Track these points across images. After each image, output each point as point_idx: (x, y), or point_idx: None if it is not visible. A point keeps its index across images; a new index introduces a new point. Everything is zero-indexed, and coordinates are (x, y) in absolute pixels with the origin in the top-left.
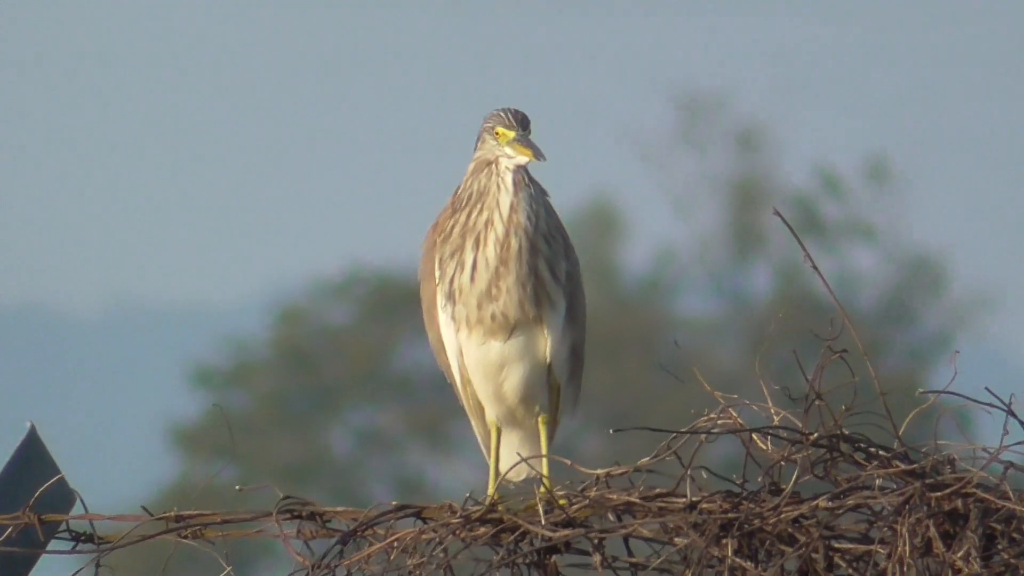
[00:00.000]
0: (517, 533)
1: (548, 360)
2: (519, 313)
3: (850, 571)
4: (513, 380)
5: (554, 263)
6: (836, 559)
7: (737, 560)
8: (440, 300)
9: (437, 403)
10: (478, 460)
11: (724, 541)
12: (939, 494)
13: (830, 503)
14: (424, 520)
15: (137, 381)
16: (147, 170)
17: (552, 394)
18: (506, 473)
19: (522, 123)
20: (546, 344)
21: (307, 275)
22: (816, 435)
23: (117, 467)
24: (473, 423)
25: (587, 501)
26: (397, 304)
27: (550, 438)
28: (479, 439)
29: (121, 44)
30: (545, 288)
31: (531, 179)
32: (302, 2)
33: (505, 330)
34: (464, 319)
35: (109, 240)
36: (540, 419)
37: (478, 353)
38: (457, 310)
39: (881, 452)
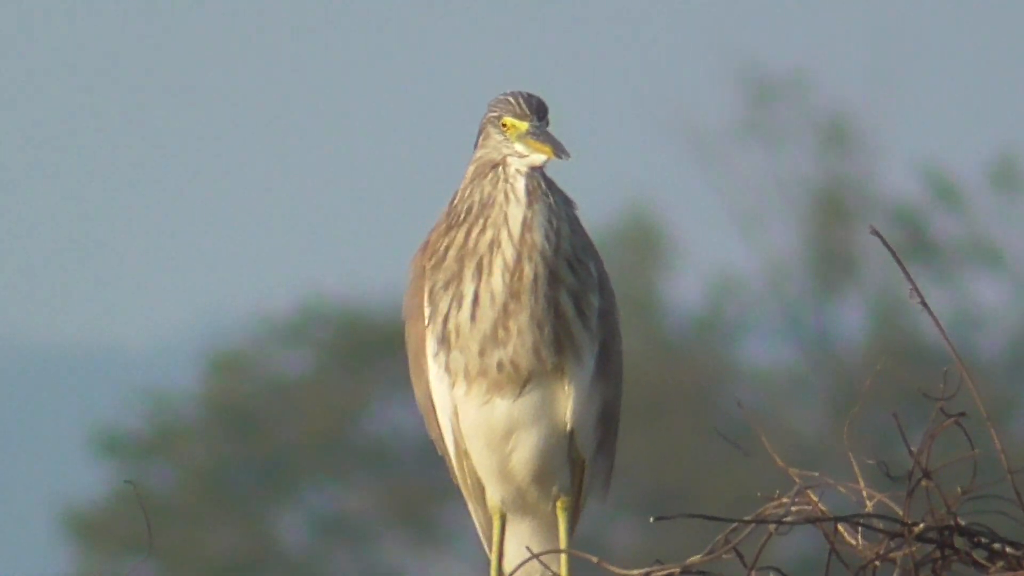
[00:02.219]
0: None
1: (570, 425)
2: (534, 362)
3: None
4: (524, 451)
5: (581, 297)
6: None
7: None
8: (430, 345)
9: (422, 480)
10: (476, 554)
11: None
12: None
13: None
14: None
15: (23, 449)
16: (36, 182)
17: (575, 470)
18: (512, 573)
19: (537, 111)
20: (568, 404)
21: (250, 311)
22: (922, 526)
23: None
24: (471, 508)
25: None
26: (368, 350)
27: (571, 529)
28: (479, 528)
29: (24, 55)
30: (569, 330)
31: (550, 185)
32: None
33: (515, 384)
34: (462, 370)
35: None
36: (559, 504)
37: (479, 415)
38: (452, 358)
39: (1008, 549)
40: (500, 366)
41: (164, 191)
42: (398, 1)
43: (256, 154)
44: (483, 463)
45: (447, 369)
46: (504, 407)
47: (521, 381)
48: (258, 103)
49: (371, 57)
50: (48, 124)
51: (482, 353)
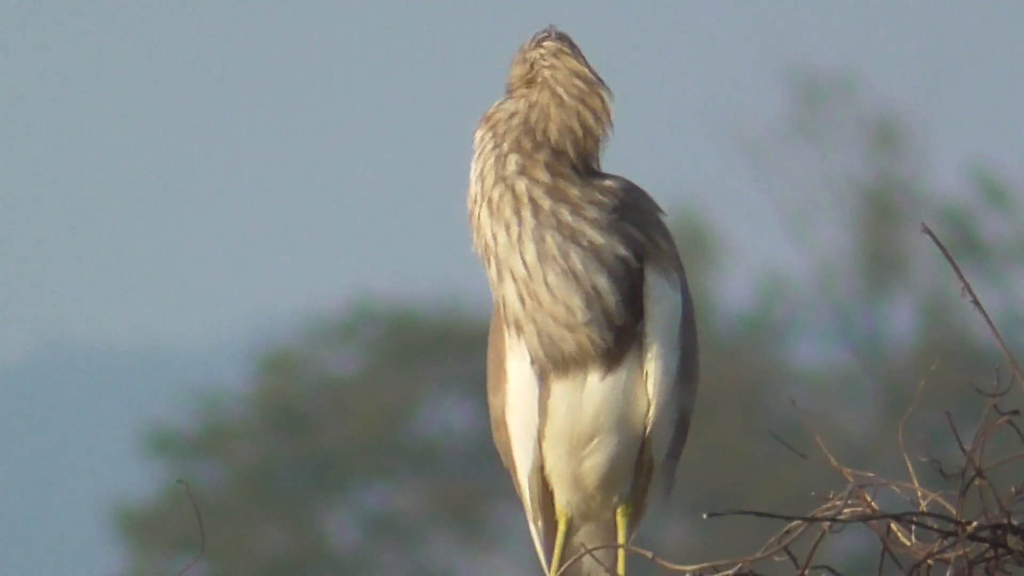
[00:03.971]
0: None
1: (649, 429)
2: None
3: None
4: (600, 456)
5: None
6: None
7: None
8: (518, 352)
9: (471, 479)
10: (524, 553)
11: None
12: None
13: None
14: None
15: (75, 447)
16: (88, 183)
17: (640, 477)
18: (566, 567)
19: None
20: (651, 409)
21: (300, 311)
22: (976, 525)
23: (47, 560)
24: (530, 518)
25: None
26: (418, 349)
27: (629, 534)
28: (535, 538)
29: (66, 55)
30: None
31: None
32: (290, 7)
33: (599, 358)
34: (550, 367)
35: (40, 268)
36: (618, 511)
37: (566, 418)
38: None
39: None
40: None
41: (216, 193)
42: (457, 3)
43: (307, 156)
44: (558, 468)
45: (535, 370)
46: (592, 409)
47: (604, 368)
48: (312, 108)
49: (420, 60)
50: (110, 130)
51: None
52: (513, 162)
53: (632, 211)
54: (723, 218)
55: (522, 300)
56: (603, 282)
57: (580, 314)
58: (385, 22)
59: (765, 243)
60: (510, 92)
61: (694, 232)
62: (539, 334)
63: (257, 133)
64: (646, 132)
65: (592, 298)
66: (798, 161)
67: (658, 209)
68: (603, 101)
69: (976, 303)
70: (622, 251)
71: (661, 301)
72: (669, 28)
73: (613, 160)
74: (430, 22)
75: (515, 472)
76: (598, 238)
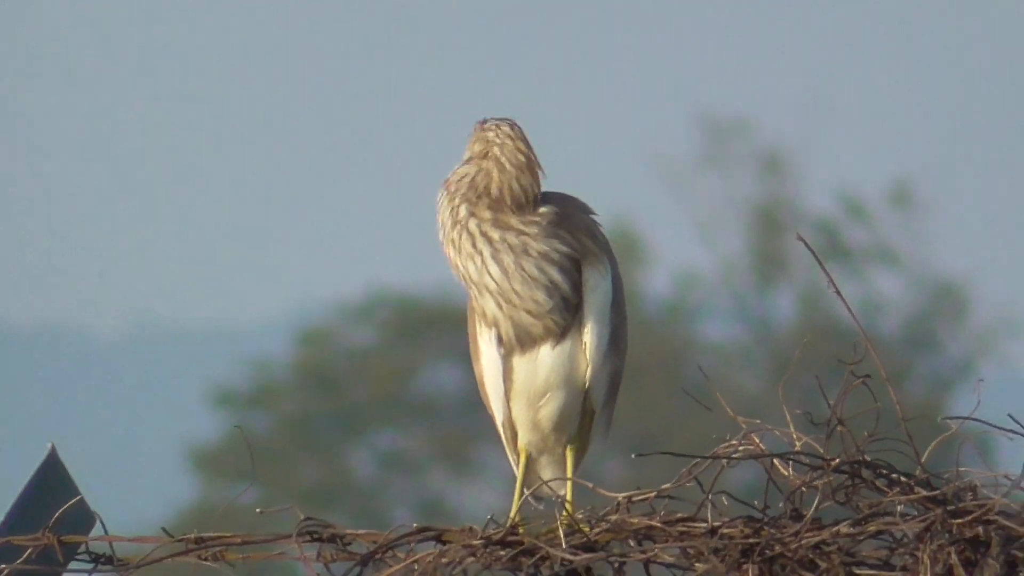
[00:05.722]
0: (537, 556)
1: (588, 385)
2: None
3: None
4: (552, 406)
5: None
6: None
7: None
8: (486, 332)
9: (460, 426)
10: (500, 484)
11: (745, 567)
12: (960, 521)
13: (851, 529)
14: (444, 542)
15: (158, 402)
16: (171, 191)
17: (584, 421)
18: (528, 495)
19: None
20: (588, 371)
21: (330, 297)
22: (838, 461)
23: (137, 488)
24: (507, 450)
25: (608, 525)
26: (420, 327)
27: (576, 464)
28: (513, 465)
29: (146, 61)
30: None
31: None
32: (324, 22)
33: (551, 334)
34: (509, 342)
35: (132, 260)
36: (568, 447)
37: (525, 378)
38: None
39: (903, 479)
40: (534, 337)
41: (267, 202)
42: (437, 40)
43: (337, 172)
44: (520, 416)
45: (500, 344)
46: (544, 373)
47: (554, 343)
48: (348, 125)
49: (426, 78)
50: (157, 120)
51: (522, 333)
52: (463, 209)
53: (565, 221)
54: (649, 228)
55: (500, 306)
56: (556, 275)
57: (545, 304)
58: (399, 26)
59: (681, 247)
60: (468, 161)
61: (627, 239)
62: (514, 326)
63: (304, 156)
64: (591, 162)
65: (551, 290)
66: (706, 185)
67: (588, 212)
68: (538, 178)
69: (839, 294)
70: (564, 249)
71: (595, 290)
72: (609, 83)
73: (565, 185)
74: (438, 28)
75: (494, 419)
76: (541, 246)
